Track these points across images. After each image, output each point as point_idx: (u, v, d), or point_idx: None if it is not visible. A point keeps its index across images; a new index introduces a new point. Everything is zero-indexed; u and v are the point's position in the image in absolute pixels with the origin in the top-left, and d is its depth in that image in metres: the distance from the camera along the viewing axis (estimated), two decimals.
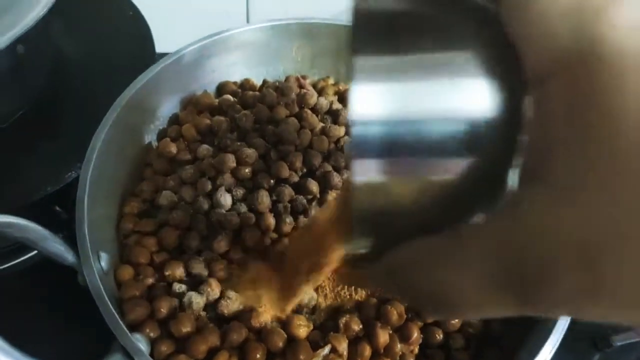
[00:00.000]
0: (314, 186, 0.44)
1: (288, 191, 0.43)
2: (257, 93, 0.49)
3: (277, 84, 0.50)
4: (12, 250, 0.49)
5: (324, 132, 0.47)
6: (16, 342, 0.26)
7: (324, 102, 0.49)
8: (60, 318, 0.46)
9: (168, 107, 0.48)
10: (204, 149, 0.45)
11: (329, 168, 0.45)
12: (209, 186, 0.43)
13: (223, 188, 0.43)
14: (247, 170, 0.43)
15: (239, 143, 0.44)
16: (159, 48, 0.57)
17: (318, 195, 0.44)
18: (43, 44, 0.54)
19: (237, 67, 0.51)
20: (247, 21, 0.73)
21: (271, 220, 0.42)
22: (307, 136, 0.46)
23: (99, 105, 0.50)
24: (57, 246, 0.33)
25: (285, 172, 0.44)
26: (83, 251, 0.33)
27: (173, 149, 0.45)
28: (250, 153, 0.43)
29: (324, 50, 0.52)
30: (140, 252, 0.39)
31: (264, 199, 0.42)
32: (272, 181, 0.44)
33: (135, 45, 0.60)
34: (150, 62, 0.54)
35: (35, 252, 0.50)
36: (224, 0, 0.68)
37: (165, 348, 0.34)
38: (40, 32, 0.47)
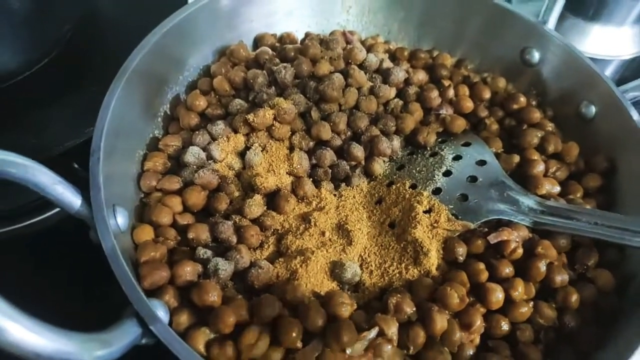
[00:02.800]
0: (358, 151, 0.39)
1: (329, 155, 0.38)
2: (298, 46, 0.44)
3: (321, 37, 0.45)
4: (29, 210, 0.46)
5: (372, 92, 0.41)
6: (24, 303, 0.22)
7: (373, 59, 0.43)
8: (74, 280, 0.42)
9: (199, 57, 0.43)
10: (237, 103, 0.40)
11: (377, 132, 0.40)
12: (242, 144, 0.38)
13: (257, 146, 0.38)
14: (284, 129, 0.38)
15: (277, 99, 0.39)
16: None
17: (363, 162, 0.39)
18: None
19: (277, 18, 0.46)
20: None
21: (309, 186, 0.37)
22: (353, 95, 0.40)
23: (122, 59, 0.46)
24: (67, 194, 0.28)
25: (327, 134, 0.39)
26: (96, 203, 0.28)
27: (203, 102, 0.40)
28: (290, 108, 0.38)
29: (375, 4, 0.47)
30: (162, 212, 0.34)
31: (302, 162, 0.38)
32: (311, 143, 0.39)
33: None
34: None
35: (51, 213, 0.46)
36: None
37: (185, 319, 0.29)
38: None
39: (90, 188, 0.29)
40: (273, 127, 0.38)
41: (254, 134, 0.38)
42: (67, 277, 0.43)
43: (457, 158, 0.39)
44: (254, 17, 0.44)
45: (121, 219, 0.31)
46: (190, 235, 0.33)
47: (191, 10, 0.39)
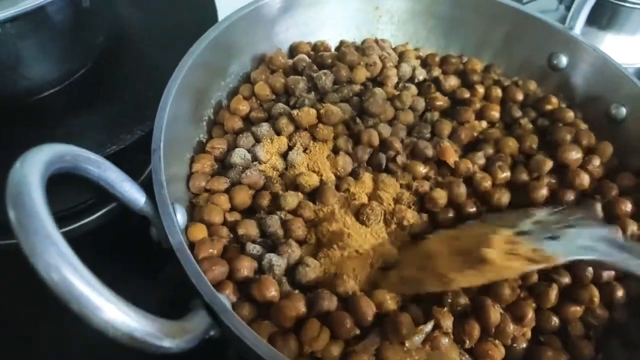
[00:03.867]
0: (396, 142, 0.40)
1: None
2: (335, 53, 0.45)
3: (355, 44, 0.47)
4: (87, 207, 0.46)
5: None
6: None
7: (407, 69, 0.45)
8: (134, 273, 0.42)
9: (239, 65, 0.44)
10: (280, 107, 0.41)
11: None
12: (285, 146, 0.40)
13: (300, 147, 0.39)
14: (328, 130, 0.40)
15: (325, 104, 0.41)
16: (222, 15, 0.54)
17: (401, 151, 0.40)
18: (106, 1, 0.52)
19: (311, 28, 0.47)
20: None
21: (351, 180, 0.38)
22: (391, 110, 0.42)
23: (156, 68, 0.48)
24: (132, 191, 0.29)
25: (377, 140, 0.40)
26: (161, 200, 0.29)
27: (245, 107, 0.41)
28: (336, 110, 0.40)
29: (405, 12, 0.48)
30: (214, 210, 0.35)
31: (346, 165, 0.39)
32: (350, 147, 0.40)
33: (197, 7, 0.57)
34: (211, 25, 0.51)
35: (109, 208, 0.47)
36: None
37: (246, 312, 0.30)
38: None
39: (153, 185, 0.30)
40: (317, 129, 0.39)
41: (297, 134, 0.39)
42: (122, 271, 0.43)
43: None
44: (290, 27, 0.46)
45: (180, 217, 0.32)
46: (241, 231, 0.34)
47: (230, 22, 0.41)
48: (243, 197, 0.36)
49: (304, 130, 0.40)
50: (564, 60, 0.45)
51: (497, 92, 0.45)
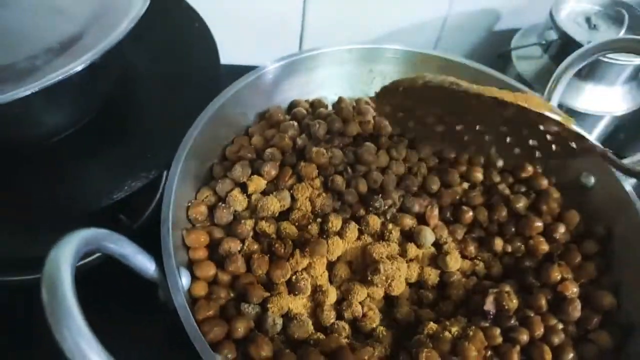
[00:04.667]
0: (394, 193, 0.44)
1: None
2: (331, 110, 0.49)
3: (353, 103, 0.50)
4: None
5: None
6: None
7: None
8: (133, 326, 0.45)
9: (242, 124, 0.48)
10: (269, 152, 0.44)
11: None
12: (263, 186, 0.43)
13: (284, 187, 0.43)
14: (310, 169, 0.43)
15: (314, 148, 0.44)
16: (224, 60, 0.57)
17: (396, 202, 0.45)
18: (117, 54, 0.55)
19: (310, 88, 0.51)
20: (300, 44, 0.73)
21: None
22: (384, 158, 0.46)
23: (163, 114, 0.50)
24: (144, 261, 0.33)
25: (364, 187, 0.44)
26: (169, 269, 0.33)
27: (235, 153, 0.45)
28: (324, 152, 0.44)
29: (397, 74, 0.52)
30: (207, 267, 0.38)
31: (324, 207, 0.42)
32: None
33: (201, 56, 0.60)
34: (215, 74, 0.54)
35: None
36: (280, 22, 0.69)
37: None
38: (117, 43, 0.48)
39: (162, 254, 0.33)
40: (300, 166, 0.43)
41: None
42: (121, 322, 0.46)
43: None
44: (291, 88, 0.50)
45: (185, 280, 0.35)
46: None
47: (239, 88, 0.44)
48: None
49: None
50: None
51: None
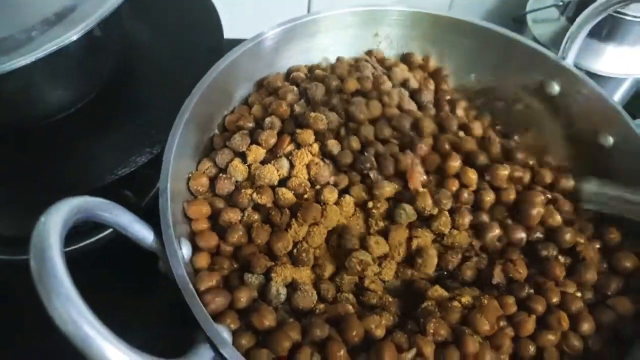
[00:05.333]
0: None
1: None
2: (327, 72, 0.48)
3: (351, 62, 0.49)
4: (85, 231, 0.50)
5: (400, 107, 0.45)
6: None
7: (398, 72, 0.47)
8: (136, 302, 0.45)
9: (243, 91, 0.47)
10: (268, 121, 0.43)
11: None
12: (262, 155, 0.42)
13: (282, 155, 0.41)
14: (307, 135, 0.42)
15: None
16: (227, 34, 0.56)
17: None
18: (116, 26, 0.54)
19: (313, 55, 0.49)
20: (308, 9, 0.71)
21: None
22: (377, 109, 0.44)
23: (166, 90, 0.50)
24: (142, 231, 0.32)
25: (357, 144, 0.42)
26: (167, 239, 0.32)
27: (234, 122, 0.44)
28: (321, 116, 0.42)
29: (402, 38, 0.50)
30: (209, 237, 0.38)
31: (319, 176, 0.41)
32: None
33: (204, 30, 0.59)
34: (218, 48, 0.53)
35: (105, 233, 0.50)
36: None
37: (245, 341, 0.33)
38: (114, 14, 0.47)
39: (161, 224, 0.33)
40: (296, 134, 0.41)
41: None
42: (125, 298, 0.46)
43: None
44: (292, 55, 0.48)
45: (186, 250, 0.35)
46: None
47: (237, 55, 0.43)
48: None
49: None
50: (556, 88, 0.47)
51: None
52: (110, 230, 0.50)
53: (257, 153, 0.41)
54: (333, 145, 0.42)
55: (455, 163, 0.41)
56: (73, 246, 0.49)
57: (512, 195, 0.41)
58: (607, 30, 0.65)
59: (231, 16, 0.58)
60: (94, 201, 0.29)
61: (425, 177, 0.42)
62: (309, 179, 0.40)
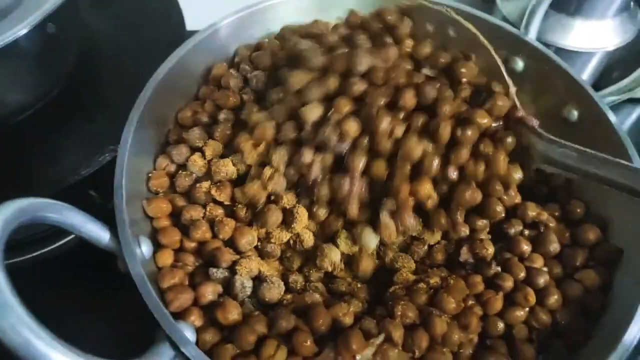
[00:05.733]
0: None
1: None
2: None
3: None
4: (48, 236, 0.49)
5: None
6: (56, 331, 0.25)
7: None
8: (99, 303, 0.45)
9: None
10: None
11: None
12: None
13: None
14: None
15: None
16: (189, 26, 0.55)
17: None
18: (72, 22, 0.53)
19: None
20: None
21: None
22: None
23: (129, 85, 0.48)
24: (96, 230, 0.31)
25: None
26: (124, 237, 0.31)
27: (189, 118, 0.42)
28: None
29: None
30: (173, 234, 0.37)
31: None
32: None
33: (165, 22, 0.58)
34: (180, 39, 0.52)
35: (71, 237, 0.49)
36: None
37: (210, 337, 0.32)
38: (69, 9, 0.45)
39: (117, 223, 0.32)
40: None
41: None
42: (88, 301, 0.45)
43: None
44: (253, 39, 0.47)
45: (145, 248, 0.34)
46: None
47: (190, 47, 0.42)
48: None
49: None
50: (519, 64, 0.46)
51: None
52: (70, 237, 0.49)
53: (215, 148, 0.40)
54: (279, 162, 0.38)
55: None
56: (35, 252, 0.48)
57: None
58: (575, 5, 0.64)
59: (193, 7, 0.56)
60: (39, 202, 0.28)
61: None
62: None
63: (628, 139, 0.39)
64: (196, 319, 0.32)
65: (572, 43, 0.66)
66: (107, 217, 0.33)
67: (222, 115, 0.41)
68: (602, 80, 0.70)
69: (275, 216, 0.37)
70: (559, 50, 0.66)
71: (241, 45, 0.46)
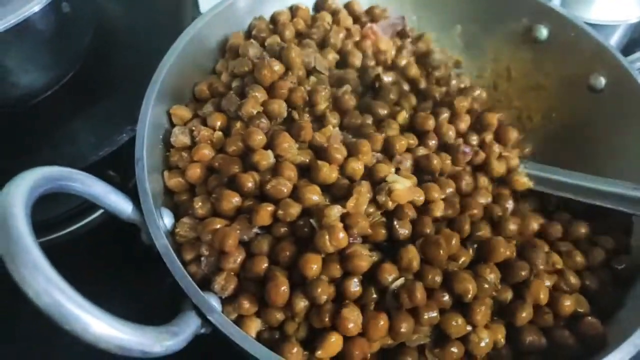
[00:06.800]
0: None
1: None
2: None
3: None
4: (75, 214, 0.49)
5: None
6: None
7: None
8: (127, 277, 0.45)
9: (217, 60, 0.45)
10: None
11: None
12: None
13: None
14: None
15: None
16: (203, 9, 0.54)
17: None
18: (86, 1, 0.53)
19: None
20: None
21: None
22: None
23: (144, 65, 0.48)
24: (119, 201, 0.31)
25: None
26: (146, 207, 0.31)
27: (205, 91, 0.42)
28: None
29: None
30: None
31: None
32: None
33: (179, 3, 0.57)
34: (193, 20, 0.51)
35: (96, 214, 0.49)
36: None
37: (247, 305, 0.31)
38: None
39: (139, 194, 0.32)
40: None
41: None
42: (117, 275, 0.45)
43: None
44: (266, 13, 0.46)
45: (168, 220, 0.34)
46: None
47: (205, 21, 0.41)
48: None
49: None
50: (544, 32, 0.45)
51: None
52: (97, 214, 0.49)
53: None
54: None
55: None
56: (62, 232, 0.48)
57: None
58: None
59: None
60: (63, 171, 0.28)
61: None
62: None
63: None
64: (225, 281, 0.32)
65: (594, 16, 0.64)
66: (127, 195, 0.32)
67: (235, 84, 0.41)
68: (627, 54, 0.68)
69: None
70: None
71: (256, 17, 0.46)
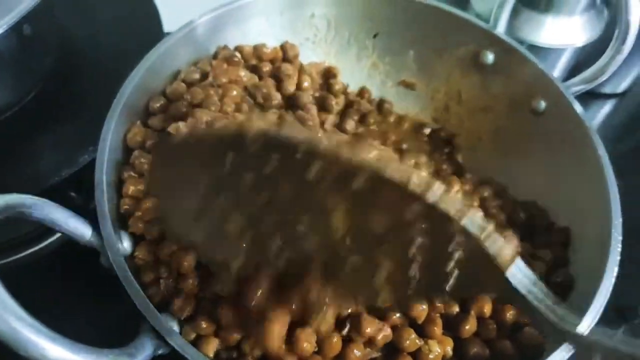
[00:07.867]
0: None
1: None
2: None
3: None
4: (34, 237, 0.49)
5: None
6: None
7: None
8: (85, 300, 0.45)
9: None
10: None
11: None
12: None
13: None
14: None
15: None
16: (167, 28, 0.55)
17: None
18: (49, 23, 0.53)
19: (250, 38, 0.49)
20: None
21: None
22: None
23: (108, 86, 0.49)
24: (79, 226, 0.32)
25: None
26: (106, 231, 0.32)
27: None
28: None
29: (341, 17, 0.50)
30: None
31: None
32: None
33: (143, 24, 0.58)
34: (157, 41, 0.53)
35: (55, 237, 0.49)
36: None
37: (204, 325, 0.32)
38: (45, 11, 0.45)
39: (98, 218, 0.32)
40: None
41: None
42: (75, 297, 0.46)
43: None
44: (228, 40, 0.47)
45: (127, 243, 0.35)
46: None
47: (170, 43, 0.42)
48: None
49: None
50: (490, 57, 0.48)
51: None
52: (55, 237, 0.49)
53: None
54: None
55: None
56: (19, 254, 0.48)
57: None
58: (545, 1, 0.66)
59: (170, 10, 0.57)
60: (20, 198, 0.28)
61: None
62: None
63: (593, 128, 0.41)
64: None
65: (543, 40, 0.68)
66: (88, 219, 0.33)
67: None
68: (573, 76, 0.73)
69: None
70: (531, 47, 0.68)
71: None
